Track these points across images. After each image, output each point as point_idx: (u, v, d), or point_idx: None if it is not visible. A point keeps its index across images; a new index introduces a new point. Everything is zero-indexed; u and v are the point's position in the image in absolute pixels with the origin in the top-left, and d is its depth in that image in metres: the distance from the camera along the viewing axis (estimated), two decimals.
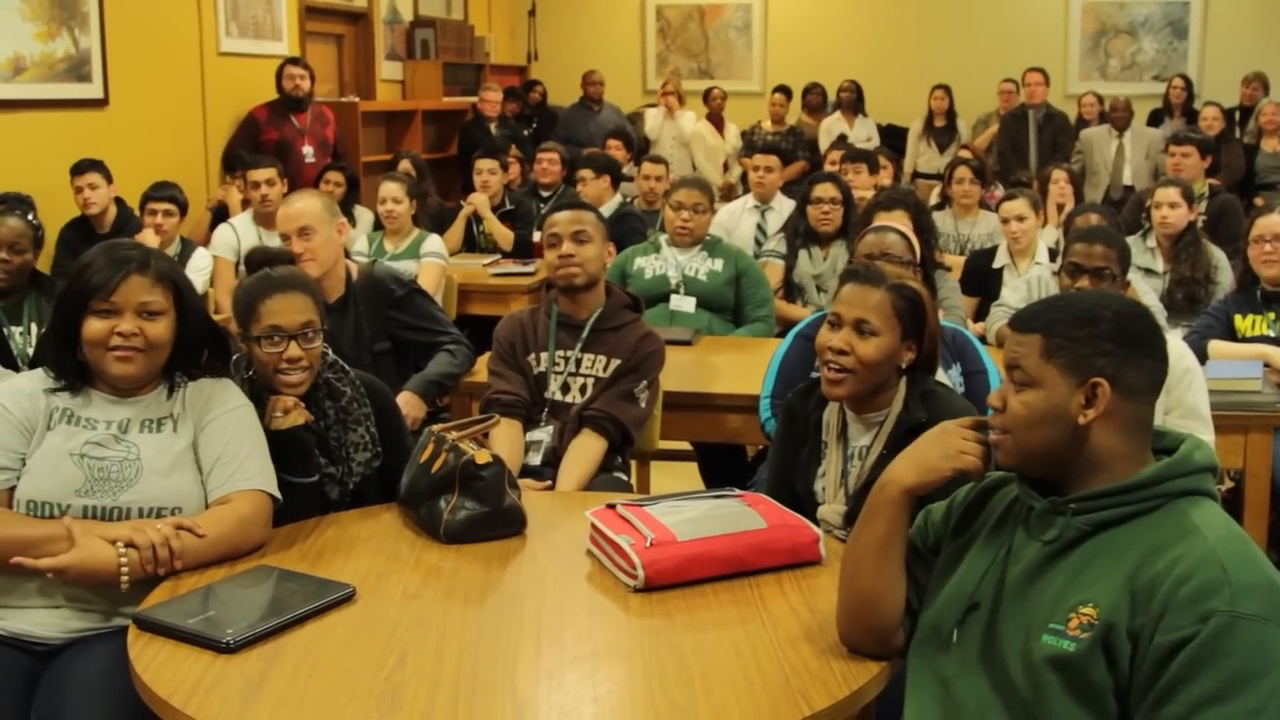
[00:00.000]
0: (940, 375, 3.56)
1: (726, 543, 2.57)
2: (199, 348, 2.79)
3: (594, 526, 2.68)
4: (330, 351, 3.11)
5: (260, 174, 6.47)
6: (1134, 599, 1.86)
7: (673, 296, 5.16)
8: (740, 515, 2.68)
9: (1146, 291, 4.84)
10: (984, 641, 2.04)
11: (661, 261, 5.25)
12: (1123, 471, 1.99)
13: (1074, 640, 1.90)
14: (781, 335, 4.29)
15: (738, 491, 2.86)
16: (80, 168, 6.19)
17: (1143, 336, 2.01)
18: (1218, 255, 5.48)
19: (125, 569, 2.48)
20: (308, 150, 8.12)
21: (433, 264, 6.14)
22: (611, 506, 2.71)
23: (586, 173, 7.19)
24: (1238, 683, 1.75)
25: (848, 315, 2.80)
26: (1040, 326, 2.03)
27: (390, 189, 6.28)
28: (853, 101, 10.96)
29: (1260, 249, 4.58)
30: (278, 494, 2.76)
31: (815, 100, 11.16)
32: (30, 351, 4.37)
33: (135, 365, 2.65)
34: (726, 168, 10.56)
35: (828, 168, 7.45)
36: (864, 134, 10.75)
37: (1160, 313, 4.75)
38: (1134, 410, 2.00)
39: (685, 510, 2.69)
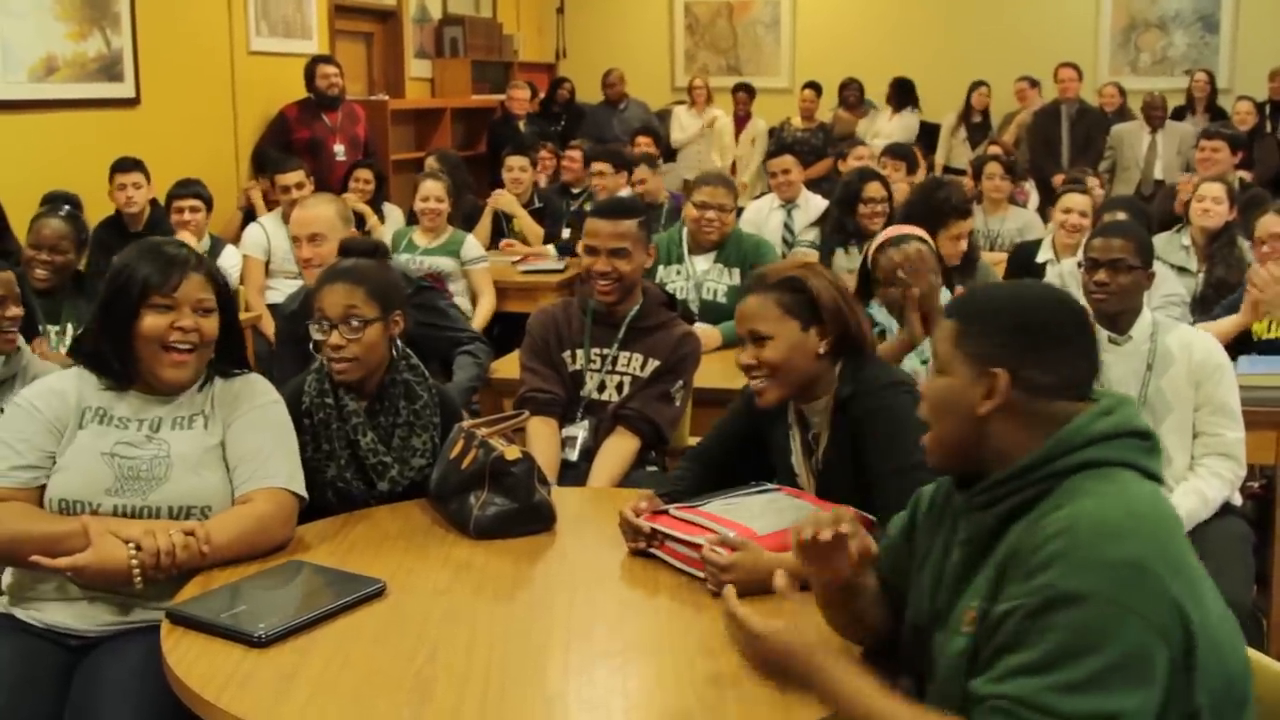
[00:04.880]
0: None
1: None
2: (235, 344, 2.83)
3: (659, 533, 2.65)
4: (414, 356, 3.14)
5: (289, 178, 6.52)
6: (997, 575, 1.81)
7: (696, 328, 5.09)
8: (798, 507, 2.69)
9: (1166, 278, 4.75)
10: (930, 650, 1.99)
11: (683, 279, 5.11)
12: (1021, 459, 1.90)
13: (966, 636, 1.85)
14: None
15: (775, 485, 2.86)
16: (124, 166, 6.21)
17: (1055, 330, 1.92)
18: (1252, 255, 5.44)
19: (137, 568, 2.50)
20: (339, 149, 8.14)
21: (484, 270, 6.18)
22: (663, 512, 2.70)
23: (604, 167, 7.19)
24: (1060, 658, 1.66)
25: (743, 330, 2.80)
26: (955, 313, 1.99)
27: (433, 188, 6.28)
28: (894, 96, 10.91)
29: (1260, 250, 4.55)
30: (303, 492, 2.77)
31: (853, 96, 11.10)
32: (64, 348, 4.39)
33: (188, 369, 2.69)
34: (735, 170, 10.50)
35: (852, 164, 7.43)
36: (891, 129, 10.69)
37: (1179, 307, 4.70)
38: (1038, 405, 1.90)
39: (745, 506, 2.69)
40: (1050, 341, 1.92)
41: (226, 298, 2.79)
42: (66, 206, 4.95)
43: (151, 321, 2.65)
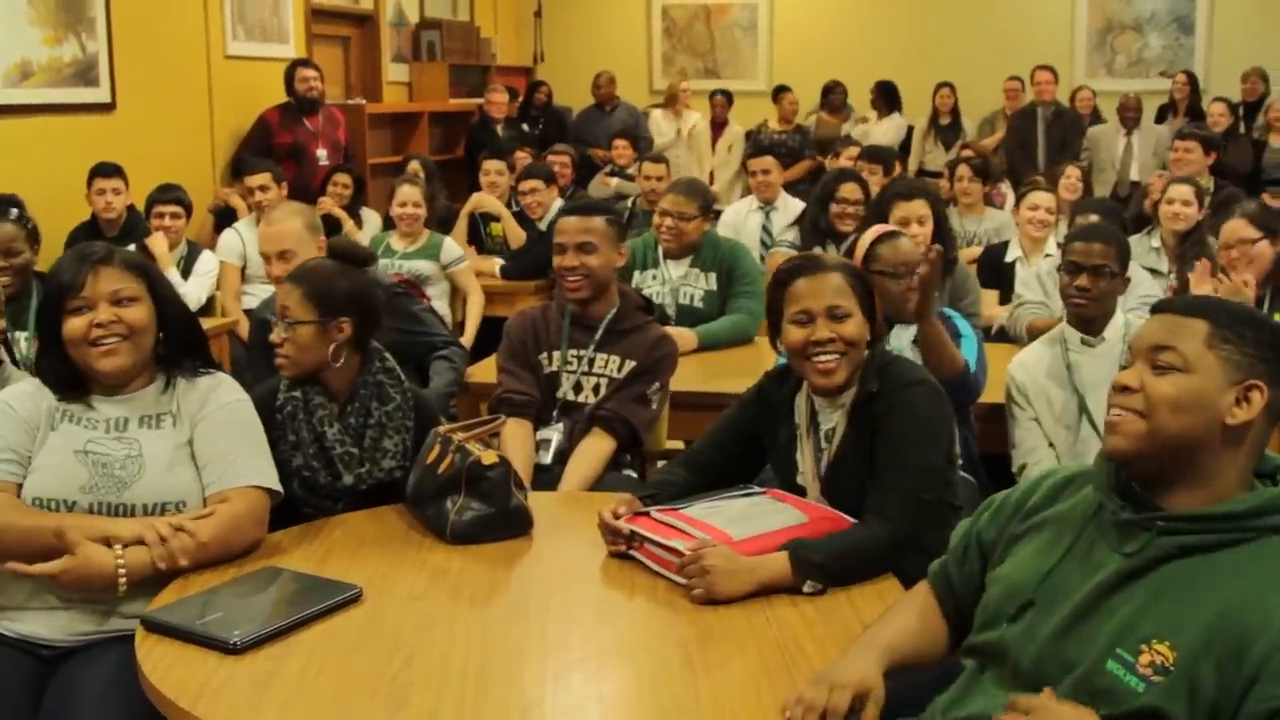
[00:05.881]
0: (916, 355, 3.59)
1: (779, 537, 2.57)
2: (184, 335, 2.80)
3: (637, 535, 2.65)
4: (390, 359, 3.15)
5: (255, 179, 6.53)
6: (1222, 652, 1.77)
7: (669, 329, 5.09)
8: (780, 511, 2.70)
9: (1142, 281, 4.79)
10: (1037, 645, 1.97)
11: (659, 284, 5.12)
12: (1225, 489, 1.91)
13: (1143, 680, 1.82)
14: None
15: (759, 488, 2.87)
16: (105, 171, 6.21)
17: None
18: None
19: (123, 572, 2.49)
20: (321, 153, 8.11)
21: (467, 270, 6.20)
22: (645, 513, 2.70)
23: (536, 184, 7.13)
24: None
25: (818, 306, 2.80)
26: (1207, 314, 1.95)
27: (409, 193, 6.28)
28: (880, 99, 10.94)
29: (1228, 255, 4.54)
30: (277, 487, 2.77)
31: (838, 99, 11.12)
32: (33, 357, 4.36)
33: (120, 356, 2.66)
34: (712, 178, 10.50)
35: (844, 164, 7.44)
36: (880, 131, 10.72)
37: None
38: (1265, 429, 1.92)
39: (726, 510, 2.70)
40: None
41: (157, 284, 2.76)
42: (14, 210, 4.92)
43: (71, 324, 2.65)
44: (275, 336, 3.03)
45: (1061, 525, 2.08)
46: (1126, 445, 1.95)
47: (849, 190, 5.72)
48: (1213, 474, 1.92)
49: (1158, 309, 2.03)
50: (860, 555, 2.56)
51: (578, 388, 3.73)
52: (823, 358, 2.78)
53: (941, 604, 2.26)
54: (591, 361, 3.73)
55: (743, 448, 3.01)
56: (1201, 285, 4.34)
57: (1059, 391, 3.58)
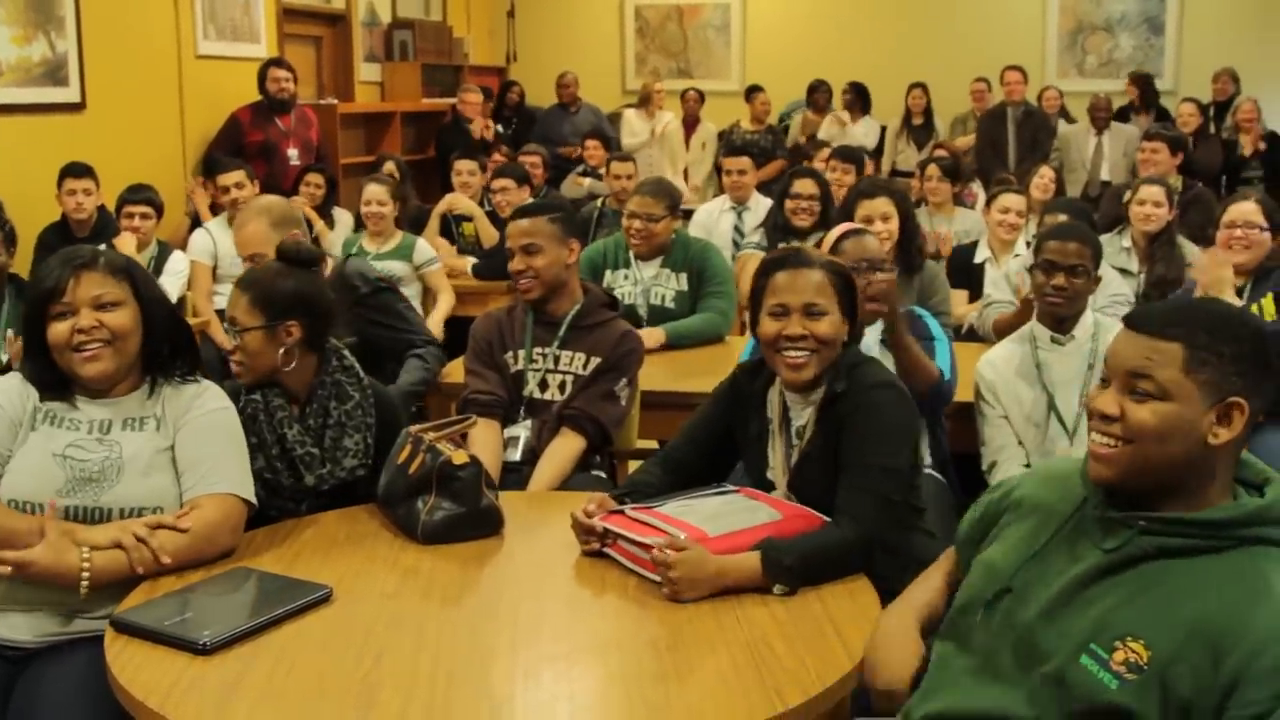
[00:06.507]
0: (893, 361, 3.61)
1: (753, 535, 2.58)
2: (169, 338, 2.79)
3: (611, 532, 2.66)
4: (349, 356, 3.15)
5: (228, 178, 6.51)
6: (1198, 657, 1.79)
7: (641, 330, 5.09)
8: (754, 509, 2.71)
9: (1112, 280, 4.82)
10: (1014, 632, 1.99)
11: (630, 284, 5.12)
12: (1208, 497, 1.93)
13: (1116, 677, 1.84)
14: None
15: (733, 486, 2.88)
16: (76, 171, 6.17)
17: (1272, 361, 1.95)
18: (1192, 252, 5.50)
19: (87, 573, 2.48)
20: (292, 152, 8.08)
21: (439, 271, 6.20)
22: (619, 511, 2.71)
23: (507, 183, 7.11)
24: None
25: (795, 302, 2.82)
26: (1183, 336, 1.92)
27: (375, 191, 6.27)
28: (856, 101, 10.97)
29: (1230, 233, 4.56)
30: (251, 498, 2.76)
31: (821, 99, 11.12)
32: (4, 357, 4.35)
33: (104, 361, 2.66)
34: (687, 176, 10.51)
35: (817, 166, 7.46)
36: (861, 132, 10.75)
37: (1125, 307, 4.75)
38: (1244, 436, 1.94)
39: (699, 508, 2.70)
40: (1269, 373, 1.94)
41: (143, 287, 2.75)
42: None
43: (55, 330, 2.65)
44: (227, 344, 3.03)
45: (1048, 515, 2.10)
46: (1112, 473, 1.97)
47: (802, 186, 5.79)
48: (1195, 486, 1.94)
49: (1132, 324, 2.01)
50: (830, 556, 2.57)
51: (543, 385, 3.73)
52: (792, 353, 2.81)
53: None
54: (556, 359, 3.74)
55: (716, 444, 3.03)
56: (1210, 270, 4.34)
57: (1028, 389, 3.60)
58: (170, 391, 2.77)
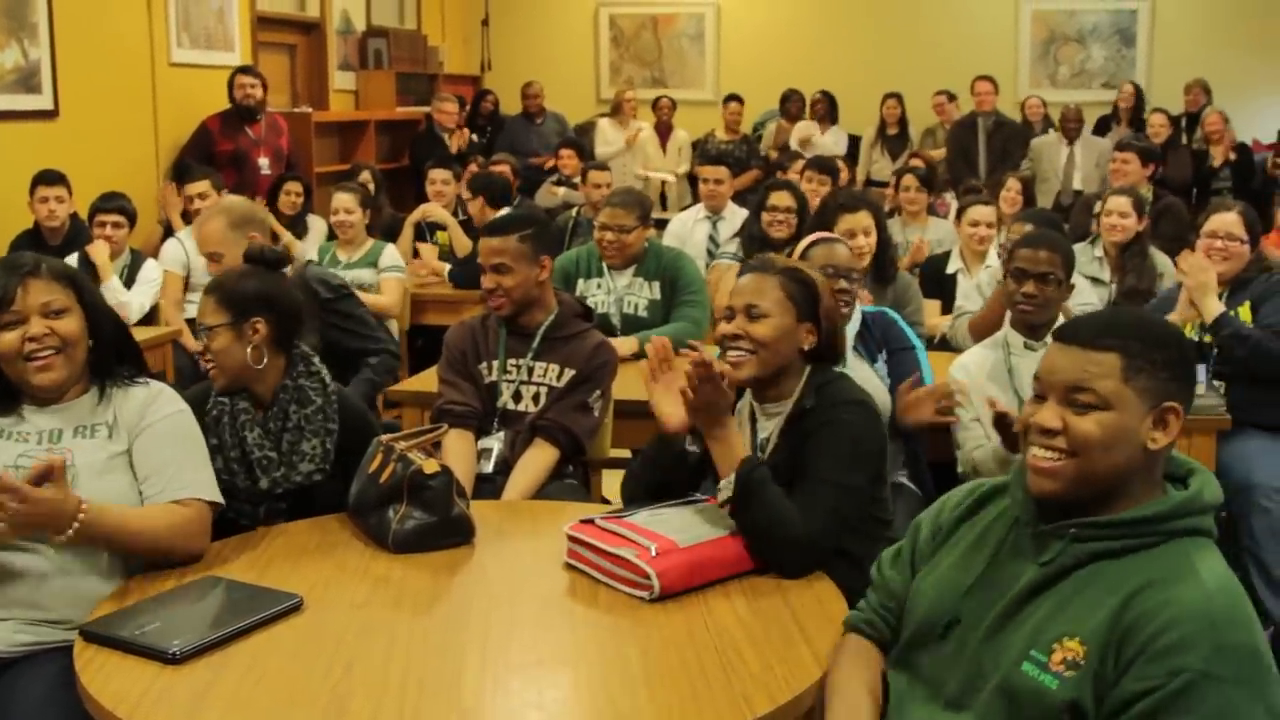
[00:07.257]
0: (867, 368, 3.63)
1: (723, 545, 2.61)
2: (116, 343, 2.78)
3: (579, 541, 2.66)
4: (316, 361, 3.15)
5: (194, 187, 6.53)
6: (1119, 638, 1.84)
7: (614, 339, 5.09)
8: (724, 519, 2.71)
9: (1083, 289, 4.84)
10: (965, 660, 2.02)
11: (604, 293, 5.13)
12: (1140, 497, 1.97)
13: (1056, 677, 1.87)
14: None
15: (703, 496, 2.89)
16: (48, 179, 6.14)
17: (1193, 363, 2.01)
18: (1163, 263, 5.53)
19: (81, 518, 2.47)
20: (263, 161, 8.07)
21: (395, 279, 6.19)
22: (589, 521, 2.71)
23: (479, 200, 7.10)
24: None
25: (738, 303, 2.86)
26: (1118, 346, 1.97)
27: (343, 199, 6.29)
28: (826, 111, 11.00)
29: (1211, 243, 4.57)
30: (219, 499, 2.76)
31: (794, 108, 11.15)
32: None
33: (56, 370, 2.65)
34: (664, 185, 10.53)
35: (792, 177, 7.48)
36: (831, 141, 10.77)
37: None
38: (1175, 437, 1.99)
39: (670, 518, 2.71)
40: (1193, 379, 2.01)
41: (85, 293, 2.73)
42: None
43: (3, 340, 2.62)
44: (198, 346, 3.05)
45: (982, 537, 2.13)
46: (1056, 486, 2.00)
47: (779, 198, 5.84)
48: (1128, 489, 1.98)
49: (1062, 338, 2.04)
50: (776, 517, 2.62)
51: (517, 396, 3.74)
52: (729, 353, 2.85)
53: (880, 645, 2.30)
54: (530, 370, 3.74)
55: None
56: (1196, 274, 4.36)
57: (1000, 393, 3.62)
58: (120, 396, 2.76)
